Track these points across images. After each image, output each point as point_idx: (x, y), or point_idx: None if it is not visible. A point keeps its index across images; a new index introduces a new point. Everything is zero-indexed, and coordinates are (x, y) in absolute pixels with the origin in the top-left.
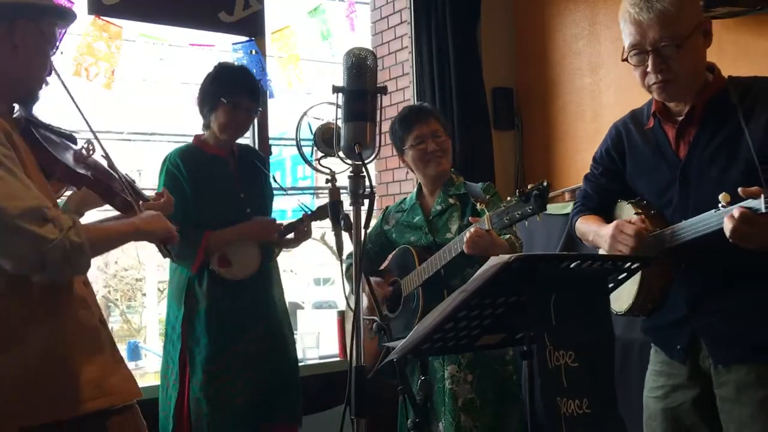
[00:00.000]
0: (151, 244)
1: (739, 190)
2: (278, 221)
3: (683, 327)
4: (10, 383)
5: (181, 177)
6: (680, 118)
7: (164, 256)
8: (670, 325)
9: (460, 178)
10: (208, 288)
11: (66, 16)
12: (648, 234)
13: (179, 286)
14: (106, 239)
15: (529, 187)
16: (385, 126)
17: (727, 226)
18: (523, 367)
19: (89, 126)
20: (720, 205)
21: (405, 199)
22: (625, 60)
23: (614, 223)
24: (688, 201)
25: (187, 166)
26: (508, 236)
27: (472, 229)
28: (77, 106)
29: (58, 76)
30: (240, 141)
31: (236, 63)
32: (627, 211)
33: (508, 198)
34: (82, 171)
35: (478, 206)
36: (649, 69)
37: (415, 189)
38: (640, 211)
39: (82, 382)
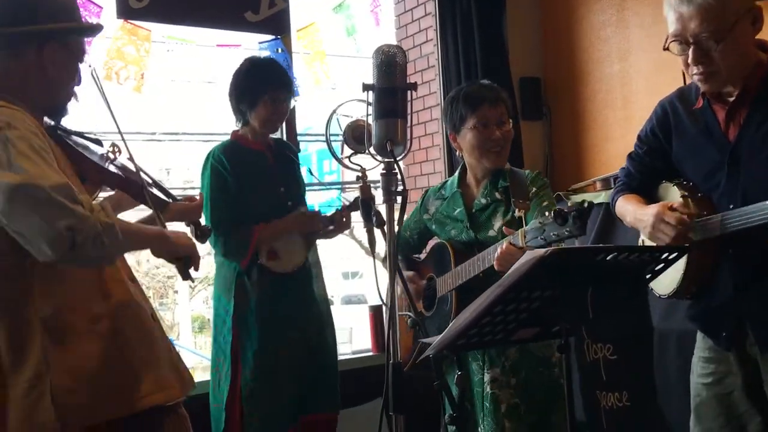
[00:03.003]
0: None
1: None
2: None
3: (728, 312)
4: (74, 386)
5: (225, 173)
6: (731, 99)
7: (183, 278)
8: (716, 311)
9: (507, 165)
10: (258, 281)
11: (93, 32)
12: (692, 220)
13: (227, 280)
14: (135, 234)
15: (568, 206)
16: (412, 120)
17: None
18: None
19: (118, 127)
20: None
21: (445, 183)
22: (666, 49)
23: (655, 208)
24: (737, 185)
25: (231, 162)
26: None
27: (504, 245)
28: (109, 108)
29: (96, 80)
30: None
31: (258, 56)
32: (672, 193)
33: (546, 213)
34: (115, 171)
35: (516, 213)
36: (689, 61)
37: (457, 174)
38: (685, 193)
39: (141, 378)
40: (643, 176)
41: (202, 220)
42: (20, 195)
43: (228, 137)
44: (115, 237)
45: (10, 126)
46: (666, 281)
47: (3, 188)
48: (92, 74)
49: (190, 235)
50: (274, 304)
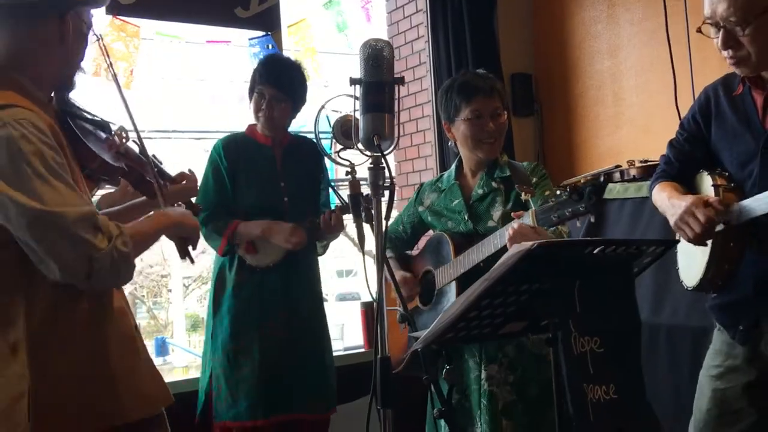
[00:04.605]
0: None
1: None
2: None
3: (747, 308)
4: (56, 394)
5: (220, 164)
6: None
7: (182, 257)
8: (735, 305)
9: (504, 158)
10: (236, 272)
11: (104, 2)
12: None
13: (215, 269)
14: (146, 240)
15: (582, 181)
16: (403, 116)
17: None
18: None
19: (129, 112)
20: None
21: (442, 176)
22: (699, 31)
23: (690, 200)
24: None
25: (227, 154)
26: (553, 228)
27: (515, 225)
28: (120, 92)
29: (111, 68)
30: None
31: (281, 54)
32: (706, 182)
33: (557, 192)
34: (117, 164)
35: (523, 196)
36: (718, 45)
37: (454, 166)
38: (718, 183)
39: (123, 392)
40: (681, 164)
41: (193, 200)
42: (42, 222)
43: (220, 134)
44: (129, 264)
45: (24, 137)
46: (692, 273)
47: (23, 211)
48: (100, 45)
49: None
50: (251, 296)
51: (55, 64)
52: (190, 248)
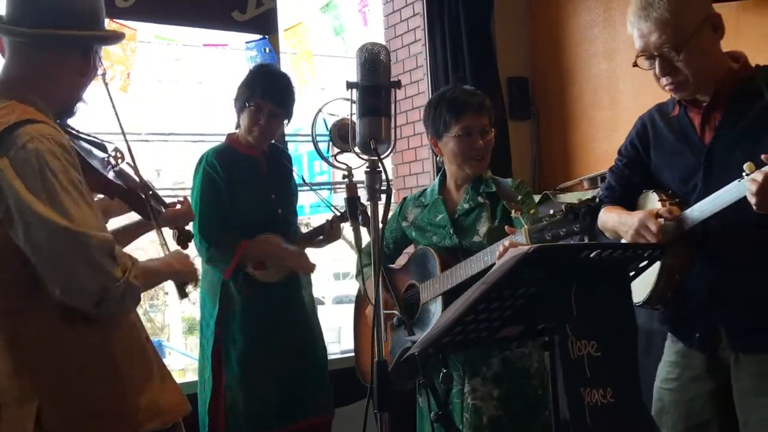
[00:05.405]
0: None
1: (763, 156)
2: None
3: (702, 315)
4: (68, 409)
5: (217, 177)
6: (705, 104)
7: (181, 298)
8: (689, 313)
9: (488, 173)
10: (244, 288)
11: (119, 39)
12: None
13: (213, 284)
14: (153, 280)
15: (578, 201)
16: (400, 119)
17: (751, 190)
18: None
19: (123, 131)
20: (744, 174)
21: (424, 191)
22: (635, 65)
23: (640, 215)
24: (711, 186)
25: (223, 166)
26: None
27: (506, 243)
28: (116, 112)
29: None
30: None
31: (272, 64)
32: (651, 199)
33: (551, 212)
34: (117, 182)
35: (512, 214)
36: (657, 73)
37: (437, 181)
38: (663, 198)
39: (136, 405)
40: (623, 189)
41: (189, 225)
42: (65, 241)
43: (217, 137)
44: (135, 298)
45: (52, 153)
46: (640, 288)
47: (48, 226)
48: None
49: (172, 239)
50: (260, 311)
51: (66, 93)
52: (189, 288)
